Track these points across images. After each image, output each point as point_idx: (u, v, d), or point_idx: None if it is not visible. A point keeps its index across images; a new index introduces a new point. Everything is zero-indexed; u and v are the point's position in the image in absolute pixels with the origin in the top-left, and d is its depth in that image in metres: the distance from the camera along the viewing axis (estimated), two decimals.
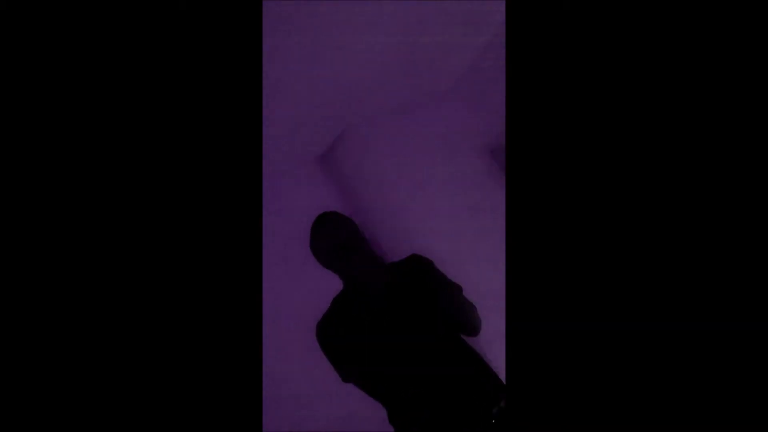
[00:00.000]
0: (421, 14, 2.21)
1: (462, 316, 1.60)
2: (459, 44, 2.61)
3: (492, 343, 2.40)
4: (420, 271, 1.62)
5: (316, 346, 1.69)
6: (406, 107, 2.77)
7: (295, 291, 2.55)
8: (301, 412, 2.30)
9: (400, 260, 1.67)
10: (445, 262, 2.41)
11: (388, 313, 1.54)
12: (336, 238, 1.54)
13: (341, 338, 1.56)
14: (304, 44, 1.94)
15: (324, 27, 1.94)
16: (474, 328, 1.63)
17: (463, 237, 2.57)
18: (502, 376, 1.66)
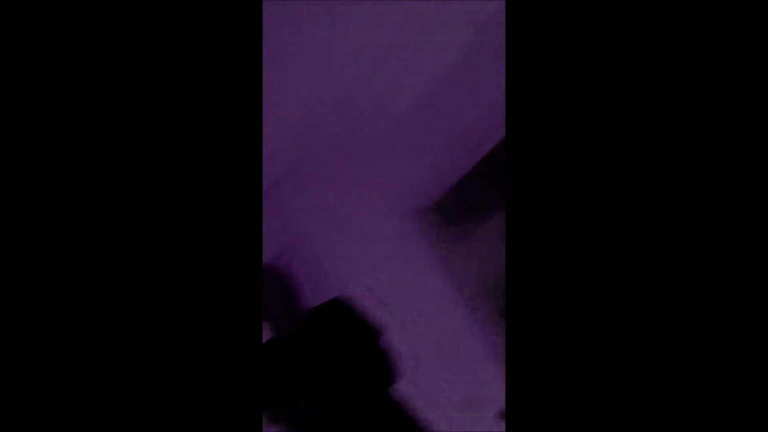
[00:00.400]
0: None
1: (379, 364, 1.61)
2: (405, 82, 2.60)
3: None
4: (340, 315, 1.64)
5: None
6: (350, 151, 2.73)
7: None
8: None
9: (321, 304, 1.68)
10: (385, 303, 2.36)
11: (311, 363, 1.56)
12: (268, 290, 1.59)
13: (269, 388, 1.58)
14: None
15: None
16: (388, 379, 1.63)
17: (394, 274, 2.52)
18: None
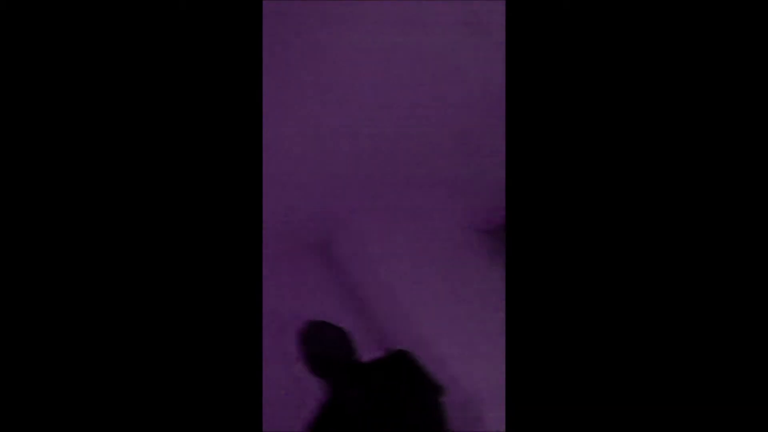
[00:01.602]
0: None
1: (435, 425, 1.59)
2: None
3: None
4: (402, 370, 1.61)
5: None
6: (398, 191, 2.71)
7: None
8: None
9: (384, 357, 1.65)
10: (440, 356, 2.30)
11: (371, 419, 1.53)
12: (320, 350, 1.55)
13: None
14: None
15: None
16: None
17: (461, 328, 2.48)
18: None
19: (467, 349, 2.32)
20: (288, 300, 2.53)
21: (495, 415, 2.01)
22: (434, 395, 1.62)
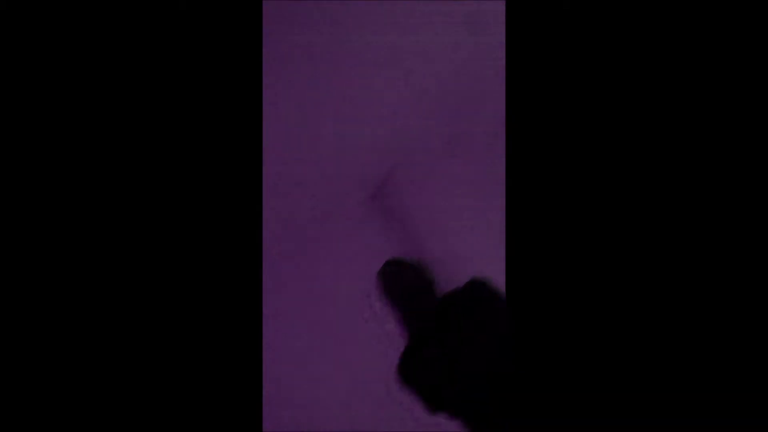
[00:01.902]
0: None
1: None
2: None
3: None
4: (481, 295, 1.58)
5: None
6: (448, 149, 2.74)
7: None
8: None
9: (459, 288, 1.63)
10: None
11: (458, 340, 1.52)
12: (403, 286, 1.52)
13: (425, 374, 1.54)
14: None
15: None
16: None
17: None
18: None
19: None
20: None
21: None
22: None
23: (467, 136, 2.75)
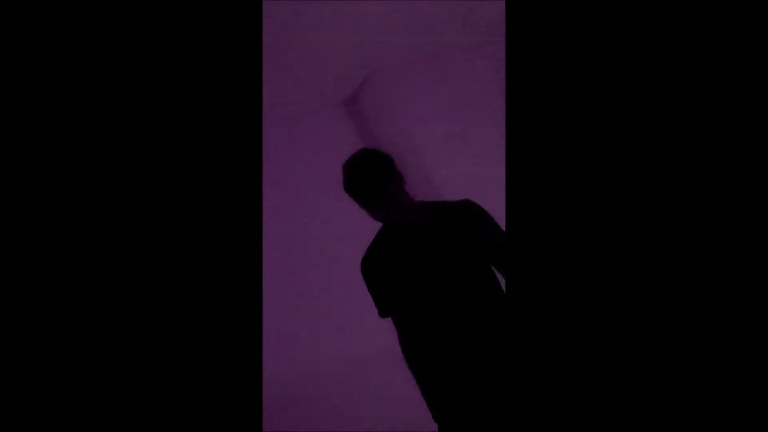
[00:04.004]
0: None
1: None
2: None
3: None
4: (471, 214, 1.56)
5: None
6: (427, 59, 2.77)
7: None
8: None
9: (453, 201, 1.62)
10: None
11: (430, 249, 1.51)
12: (376, 174, 1.50)
13: (384, 270, 1.54)
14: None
15: None
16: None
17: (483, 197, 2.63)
18: None
19: None
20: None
21: None
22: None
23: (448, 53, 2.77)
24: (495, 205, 1.55)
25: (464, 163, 2.68)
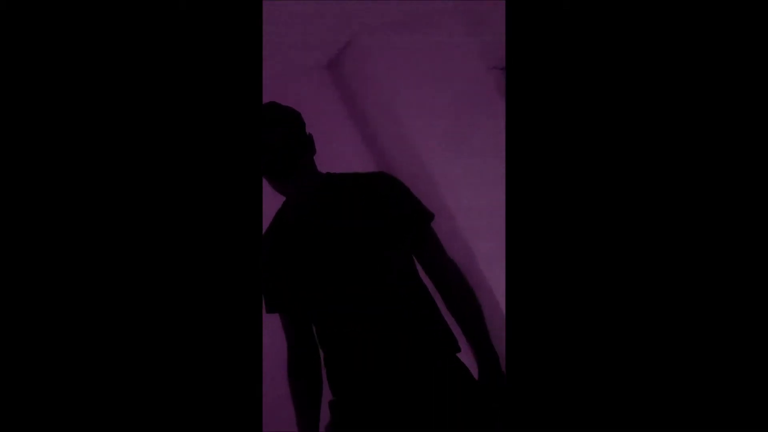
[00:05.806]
0: None
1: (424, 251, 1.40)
2: None
3: (491, 264, 2.57)
4: (383, 189, 1.37)
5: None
6: (407, 23, 2.78)
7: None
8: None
9: (367, 172, 1.43)
10: (439, 183, 2.53)
11: (332, 233, 1.33)
12: (277, 134, 1.29)
13: (276, 260, 1.35)
14: None
15: None
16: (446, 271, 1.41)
17: (461, 155, 2.69)
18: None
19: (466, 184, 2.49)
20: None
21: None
22: (424, 217, 1.40)
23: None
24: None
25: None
